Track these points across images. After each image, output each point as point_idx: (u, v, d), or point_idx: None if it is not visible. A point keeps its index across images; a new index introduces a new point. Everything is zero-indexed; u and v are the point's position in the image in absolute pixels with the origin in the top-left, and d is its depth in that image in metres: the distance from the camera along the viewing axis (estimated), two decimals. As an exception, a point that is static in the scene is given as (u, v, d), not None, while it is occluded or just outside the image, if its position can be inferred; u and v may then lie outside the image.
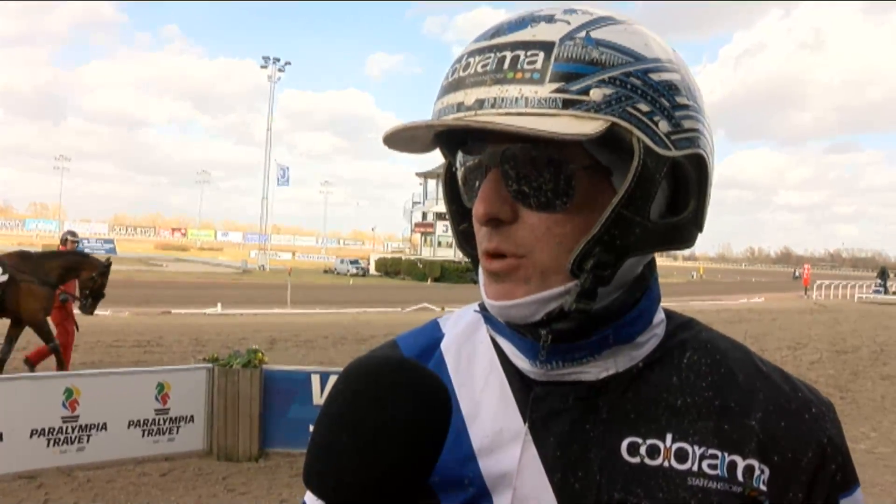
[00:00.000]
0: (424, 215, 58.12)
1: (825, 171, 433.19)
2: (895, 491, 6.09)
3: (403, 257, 55.60)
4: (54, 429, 5.85)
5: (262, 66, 60.93)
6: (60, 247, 10.05)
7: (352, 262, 53.37)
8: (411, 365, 0.70)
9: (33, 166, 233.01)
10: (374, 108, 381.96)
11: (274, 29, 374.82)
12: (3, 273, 8.45)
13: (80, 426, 5.96)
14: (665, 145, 0.68)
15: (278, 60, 60.80)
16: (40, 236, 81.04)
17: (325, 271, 54.69)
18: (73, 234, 10.42)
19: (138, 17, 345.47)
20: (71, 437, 5.92)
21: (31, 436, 5.75)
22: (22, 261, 8.83)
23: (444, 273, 44.14)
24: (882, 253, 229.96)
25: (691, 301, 29.04)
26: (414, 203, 60.98)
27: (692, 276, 78.48)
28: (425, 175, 55.76)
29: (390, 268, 52.16)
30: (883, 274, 42.58)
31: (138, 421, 6.24)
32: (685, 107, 0.71)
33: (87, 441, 5.99)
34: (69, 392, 5.93)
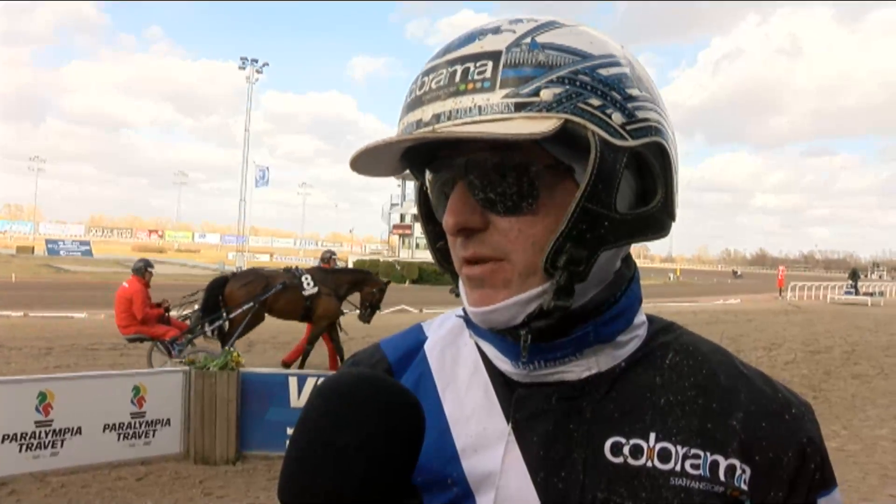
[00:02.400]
0: (402, 217, 57.93)
1: (801, 175, 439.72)
2: (862, 487, 6.22)
3: (381, 259, 55.38)
4: (27, 433, 5.74)
5: (241, 68, 60.33)
6: (323, 265, 11.28)
7: (330, 264, 52.74)
8: (383, 381, 0.71)
9: (9, 167, 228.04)
10: (356, 111, 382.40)
11: (257, 31, 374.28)
12: (314, 286, 9.62)
13: (54, 430, 5.86)
14: (621, 136, 0.70)
15: (256, 61, 60.19)
16: (14, 238, 79.48)
17: (304, 273, 54.18)
18: (332, 252, 11.81)
19: (121, 19, 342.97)
20: (44, 442, 5.81)
21: (2, 441, 5.64)
22: (324, 275, 10.12)
23: (421, 275, 43.95)
24: (854, 255, 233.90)
25: (668, 302, 29.24)
26: (392, 205, 60.76)
27: (669, 278, 79.07)
28: (404, 177, 55.58)
29: (368, 269, 51.87)
30: (854, 275, 43.35)
31: (114, 424, 6.16)
32: (637, 98, 0.72)
33: (62, 446, 5.89)
34: (43, 396, 5.83)
